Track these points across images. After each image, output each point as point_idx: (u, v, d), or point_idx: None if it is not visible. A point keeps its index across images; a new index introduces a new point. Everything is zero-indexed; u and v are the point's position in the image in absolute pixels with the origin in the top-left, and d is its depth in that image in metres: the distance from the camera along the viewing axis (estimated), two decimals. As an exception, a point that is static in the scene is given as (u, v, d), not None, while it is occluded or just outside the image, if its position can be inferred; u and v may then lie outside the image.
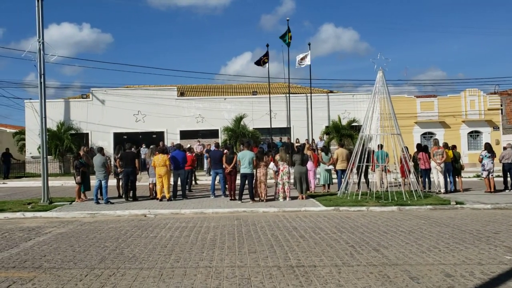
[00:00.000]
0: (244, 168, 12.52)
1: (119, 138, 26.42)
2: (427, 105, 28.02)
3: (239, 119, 26.16)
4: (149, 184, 14.08)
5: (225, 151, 14.55)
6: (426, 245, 7.06)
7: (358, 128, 22.16)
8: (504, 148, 15.25)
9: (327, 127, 27.44)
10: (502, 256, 6.32)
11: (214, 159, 14.20)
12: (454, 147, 15.22)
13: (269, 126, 26.00)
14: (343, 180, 13.66)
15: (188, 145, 21.51)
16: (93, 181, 13.21)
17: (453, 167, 14.43)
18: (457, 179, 14.78)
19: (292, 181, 13.36)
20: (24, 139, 27.13)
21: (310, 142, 23.70)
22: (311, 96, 27.07)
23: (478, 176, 18.82)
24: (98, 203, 12.53)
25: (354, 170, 13.37)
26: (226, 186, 13.99)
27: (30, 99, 27.35)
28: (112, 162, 16.06)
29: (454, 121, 27.63)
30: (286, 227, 8.91)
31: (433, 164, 14.16)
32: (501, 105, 29.06)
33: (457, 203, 11.67)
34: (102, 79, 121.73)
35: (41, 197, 12.92)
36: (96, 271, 5.81)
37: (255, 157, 12.61)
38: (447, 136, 26.04)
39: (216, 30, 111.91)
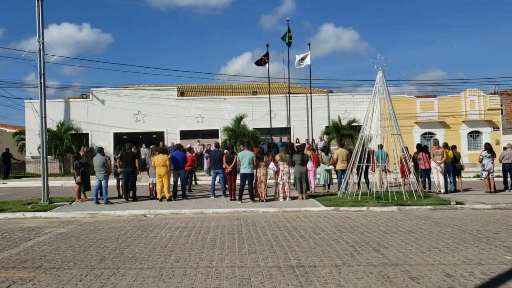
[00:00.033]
0: (244, 168, 12.52)
1: (119, 138, 26.42)
2: (427, 105, 28.02)
3: (239, 119, 26.17)
4: (149, 184, 14.08)
5: (225, 151, 14.55)
6: (426, 245, 7.06)
7: (358, 128, 22.18)
8: (504, 148, 15.25)
9: (327, 127, 27.44)
10: (502, 256, 6.32)
11: (214, 159, 14.20)
12: (454, 147, 15.22)
13: (269, 126, 26.00)
14: (343, 180, 13.66)
15: (188, 145, 21.50)
16: (93, 181, 13.21)
17: (453, 167, 14.43)
18: (457, 179, 14.78)
19: (292, 181, 13.36)
20: (24, 139, 27.13)
21: (310, 142, 23.70)
22: (311, 96, 27.07)
23: (478, 176, 18.82)
24: (98, 203, 12.53)
25: (354, 170, 13.37)
26: (226, 186, 13.99)
27: (30, 99, 27.38)
28: (112, 162, 16.06)
29: (454, 121, 27.63)
30: (286, 227, 8.91)
31: (433, 164, 14.16)
32: (501, 105, 29.07)
33: (457, 203, 11.67)
34: (102, 79, 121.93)
35: (41, 197, 12.92)
36: (96, 271, 5.81)
37: (255, 157, 12.61)
38: (447, 136, 26.04)
39: (216, 30, 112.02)
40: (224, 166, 13.45)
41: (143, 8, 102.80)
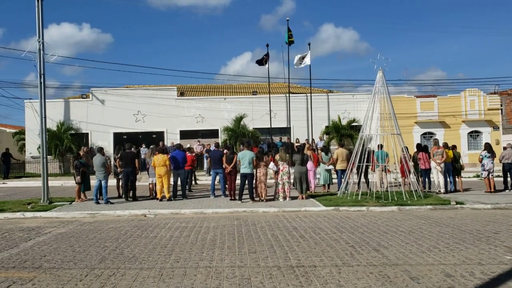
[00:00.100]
0: (244, 168, 12.52)
1: (119, 138, 26.41)
2: (427, 105, 28.02)
3: (239, 119, 26.17)
4: (149, 184, 14.08)
5: (225, 151, 14.55)
6: (426, 245, 7.06)
7: (358, 128, 22.17)
8: (504, 148, 15.25)
9: (327, 127, 27.43)
10: (502, 256, 6.32)
11: (214, 159, 14.20)
12: (454, 147, 15.22)
13: (269, 126, 25.99)
14: (343, 180, 13.66)
15: (188, 145, 21.50)
16: (93, 181, 13.21)
17: (453, 167, 14.43)
18: (457, 179, 14.78)
19: (292, 181, 13.36)
20: (24, 139, 27.12)
21: (310, 142, 23.70)
22: (311, 96, 27.06)
23: (478, 176, 18.82)
24: (98, 203, 12.52)
25: (354, 170, 13.36)
26: (226, 186, 13.99)
27: (30, 99, 27.35)
28: (112, 162, 16.06)
29: (454, 121, 27.63)
30: (286, 227, 8.91)
31: (433, 164, 14.16)
32: (501, 105, 29.06)
33: (457, 203, 11.67)
34: (102, 79, 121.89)
35: (41, 197, 12.92)
36: (96, 271, 5.81)
37: (255, 157, 12.61)
38: (447, 136, 26.04)
39: (216, 30, 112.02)
40: (224, 166, 13.45)
41: (143, 8, 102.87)
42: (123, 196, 13.41)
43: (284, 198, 12.78)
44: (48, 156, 15.10)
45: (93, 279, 5.45)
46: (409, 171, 13.55)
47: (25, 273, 5.81)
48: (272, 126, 26.05)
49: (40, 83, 13.02)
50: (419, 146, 14.95)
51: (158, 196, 13.10)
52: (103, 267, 6.00)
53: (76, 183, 13.19)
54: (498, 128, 27.79)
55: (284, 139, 26.37)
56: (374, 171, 13.89)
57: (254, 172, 12.62)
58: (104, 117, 27.06)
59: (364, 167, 13.36)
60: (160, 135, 26.92)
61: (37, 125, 17.02)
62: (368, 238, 7.63)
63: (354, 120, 26.59)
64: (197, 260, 6.29)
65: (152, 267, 5.97)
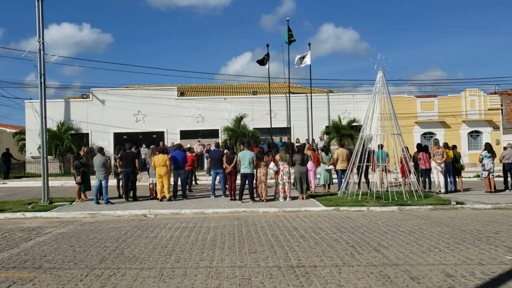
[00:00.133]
0: (244, 168, 12.51)
1: (119, 138, 26.42)
2: (427, 105, 28.01)
3: (239, 119, 26.17)
4: (149, 184, 14.08)
5: (225, 151, 14.55)
6: (427, 245, 7.06)
7: (358, 128, 22.18)
8: (505, 148, 15.24)
9: (327, 127, 27.44)
10: (503, 256, 6.32)
11: (214, 159, 14.20)
12: (454, 147, 15.21)
13: (269, 126, 26.00)
14: (343, 180, 13.65)
15: (188, 145, 21.49)
16: (93, 181, 13.20)
17: (453, 167, 14.42)
18: (457, 179, 14.77)
19: (292, 181, 13.35)
20: (24, 139, 27.13)
21: (310, 142, 23.69)
22: (311, 96, 27.07)
23: (478, 176, 18.82)
24: (98, 203, 12.52)
25: (355, 170, 13.36)
26: (226, 186, 13.99)
27: (30, 99, 27.38)
28: (112, 162, 16.06)
29: (454, 121, 27.62)
30: (286, 227, 8.90)
31: (433, 164, 14.15)
32: (501, 105, 29.06)
33: (457, 203, 11.67)
34: (102, 79, 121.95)
35: (41, 197, 12.91)
36: (96, 271, 5.81)
37: (255, 157, 12.60)
38: (447, 136, 26.04)
39: (216, 30, 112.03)
40: (224, 166, 13.45)
41: (143, 8, 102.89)
42: (124, 196, 13.41)
43: (285, 198, 12.78)
44: (49, 156, 15.11)
45: (94, 279, 5.45)
46: (410, 171, 13.55)
47: (26, 273, 5.80)
48: (272, 126, 26.06)
49: (41, 83, 13.02)
50: (419, 146, 14.95)
51: (159, 196, 13.10)
52: (104, 267, 6.00)
53: (76, 183, 13.19)
54: (498, 128, 27.79)
55: (284, 139, 26.37)
56: (374, 171, 13.88)
57: (254, 172, 12.62)
58: (104, 117, 27.06)
59: (364, 167, 13.37)
60: (160, 135, 26.93)
61: (38, 125, 17.03)
62: (369, 238, 7.63)
63: (354, 120, 26.59)
64: (197, 260, 6.29)
65: (152, 267, 5.97)
